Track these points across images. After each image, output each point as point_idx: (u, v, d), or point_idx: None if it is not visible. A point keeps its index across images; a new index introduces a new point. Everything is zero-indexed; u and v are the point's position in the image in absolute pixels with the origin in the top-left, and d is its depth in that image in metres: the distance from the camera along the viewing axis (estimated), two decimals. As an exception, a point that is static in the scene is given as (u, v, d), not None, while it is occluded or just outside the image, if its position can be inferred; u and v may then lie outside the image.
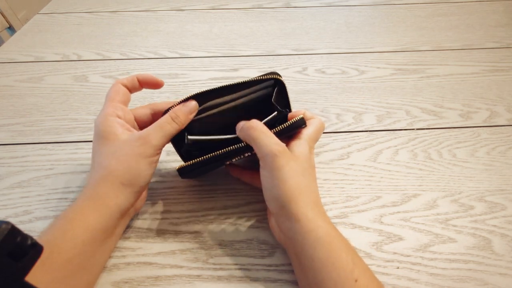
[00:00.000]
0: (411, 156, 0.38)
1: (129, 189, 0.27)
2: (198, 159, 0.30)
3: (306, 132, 0.30)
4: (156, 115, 0.32)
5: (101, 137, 0.28)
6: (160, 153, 0.29)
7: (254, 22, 0.65)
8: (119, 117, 0.29)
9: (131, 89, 0.33)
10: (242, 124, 0.29)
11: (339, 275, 0.23)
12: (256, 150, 0.27)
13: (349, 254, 0.25)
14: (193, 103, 0.30)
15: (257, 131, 0.27)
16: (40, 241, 0.17)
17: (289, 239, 0.27)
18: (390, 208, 0.33)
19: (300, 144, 0.29)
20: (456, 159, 0.38)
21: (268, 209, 0.31)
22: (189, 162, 0.30)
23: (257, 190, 0.35)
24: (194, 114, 0.30)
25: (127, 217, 0.30)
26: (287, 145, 0.29)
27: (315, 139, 0.31)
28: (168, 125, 0.29)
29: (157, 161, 0.29)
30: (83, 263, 0.25)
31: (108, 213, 0.26)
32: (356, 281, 0.23)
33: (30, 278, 0.16)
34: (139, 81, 0.32)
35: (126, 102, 0.32)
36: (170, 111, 0.29)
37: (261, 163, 0.28)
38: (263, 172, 0.28)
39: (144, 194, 0.32)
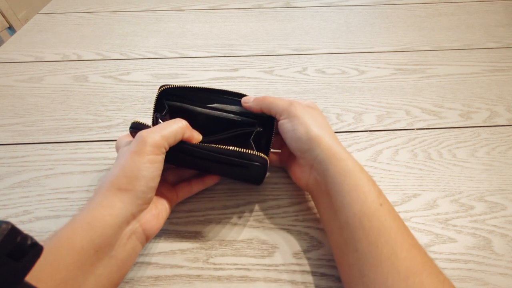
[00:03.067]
0: (411, 156, 0.38)
1: (127, 194, 0.24)
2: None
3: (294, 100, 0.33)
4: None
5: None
6: (163, 153, 0.26)
7: (254, 22, 0.65)
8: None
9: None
10: (251, 99, 0.33)
11: (366, 198, 0.25)
12: (275, 112, 0.31)
13: (375, 184, 0.27)
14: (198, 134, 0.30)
15: (269, 98, 0.32)
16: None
17: (318, 174, 0.28)
18: (390, 208, 0.33)
19: (307, 101, 0.34)
20: (456, 159, 0.38)
21: (289, 163, 0.33)
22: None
23: (257, 190, 0.35)
24: (199, 137, 0.30)
25: (132, 237, 0.25)
26: None
27: None
28: (171, 123, 0.27)
29: (159, 162, 0.26)
30: None
31: (100, 226, 0.22)
32: (381, 205, 0.25)
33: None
34: None
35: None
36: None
37: (282, 117, 0.31)
38: (284, 122, 0.30)
39: (156, 213, 0.27)
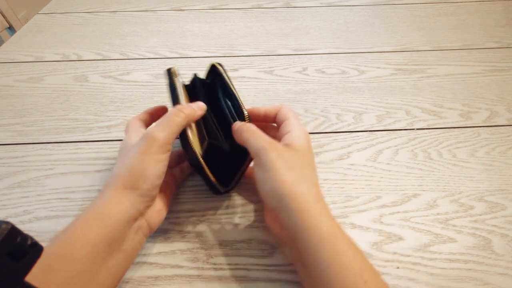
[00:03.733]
0: (411, 156, 0.38)
1: (133, 192, 0.25)
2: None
3: (295, 124, 0.29)
4: None
5: (120, 149, 0.29)
6: (168, 151, 0.27)
7: (254, 22, 0.65)
8: (143, 120, 0.32)
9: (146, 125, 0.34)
10: (237, 127, 0.29)
11: (347, 277, 0.22)
12: (249, 149, 0.28)
13: (356, 254, 0.23)
14: (201, 103, 0.31)
15: (247, 132, 0.28)
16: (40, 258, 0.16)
17: (291, 237, 0.25)
18: (390, 208, 0.33)
19: (296, 136, 0.28)
20: (456, 159, 0.38)
21: (264, 207, 0.31)
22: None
23: (257, 191, 0.35)
24: (202, 111, 0.30)
25: (139, 232, 0.26)
26: (282, 140, 0.29)
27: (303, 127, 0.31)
28: (174, 117, 0.27)
29: (165, 160, 0.27)
30: (85, 284, 0.22)
31: (110, 223, 0.24)
32: (365, 282, 0.22)
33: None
34: (149, 114, 0.34)
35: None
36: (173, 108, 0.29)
37: (254, 160, 0.27)
38: (256, 169, 0.27)
39: (160, 208, 0.29)
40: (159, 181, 0.27)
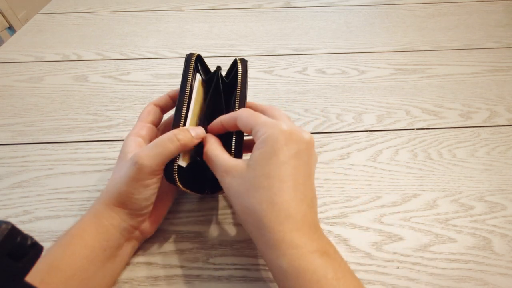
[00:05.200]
0: (411, 156, 0.38)
1: (123, 210, 0.26)
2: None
3: (260, 132, 0.24)
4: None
5: (118, 156, 0.29)
6: (159, 174, 0.26)
7: (254, 22, 0.65)
8: (141, 137, 0.29)
9: (164, 108, 0.33)
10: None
11: None
12: None
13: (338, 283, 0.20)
14: (200, 129, 0.28)
15: (211, 162, 0.26)
16: (42, 256, 0.16)
17: None
18: (390, 208, 0.33)
19: (255, 149, 0.24)
20: (456, 159, 0.38)
21: None
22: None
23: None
24: (198, 140, 0.27)
25: (132, 240, 0.28)
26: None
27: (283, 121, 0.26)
28: (168, 143, 0.25)
29: (155, 183, 0.26)
30: (84, 282, 0.24)
31: (104, 232, 0.25)
32: None
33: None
34: (170, 97, 0.33)
35: (156, 122, 0.32)
36: (170, 131, 0.26)
37: None
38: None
39: (154, 219, 0.29)
40: (148, 203, 0.27)
